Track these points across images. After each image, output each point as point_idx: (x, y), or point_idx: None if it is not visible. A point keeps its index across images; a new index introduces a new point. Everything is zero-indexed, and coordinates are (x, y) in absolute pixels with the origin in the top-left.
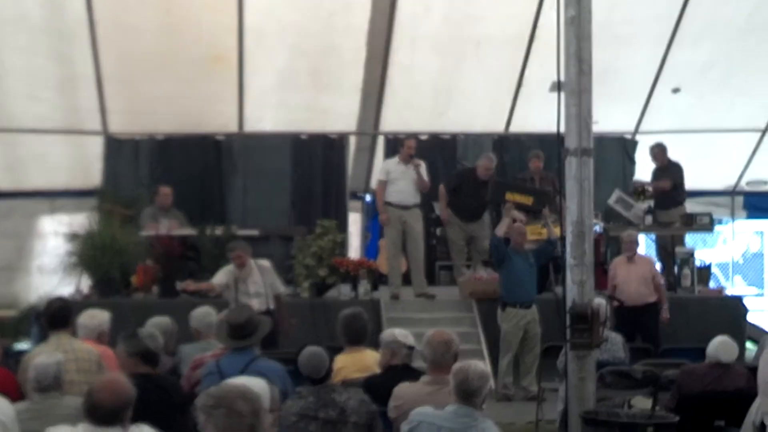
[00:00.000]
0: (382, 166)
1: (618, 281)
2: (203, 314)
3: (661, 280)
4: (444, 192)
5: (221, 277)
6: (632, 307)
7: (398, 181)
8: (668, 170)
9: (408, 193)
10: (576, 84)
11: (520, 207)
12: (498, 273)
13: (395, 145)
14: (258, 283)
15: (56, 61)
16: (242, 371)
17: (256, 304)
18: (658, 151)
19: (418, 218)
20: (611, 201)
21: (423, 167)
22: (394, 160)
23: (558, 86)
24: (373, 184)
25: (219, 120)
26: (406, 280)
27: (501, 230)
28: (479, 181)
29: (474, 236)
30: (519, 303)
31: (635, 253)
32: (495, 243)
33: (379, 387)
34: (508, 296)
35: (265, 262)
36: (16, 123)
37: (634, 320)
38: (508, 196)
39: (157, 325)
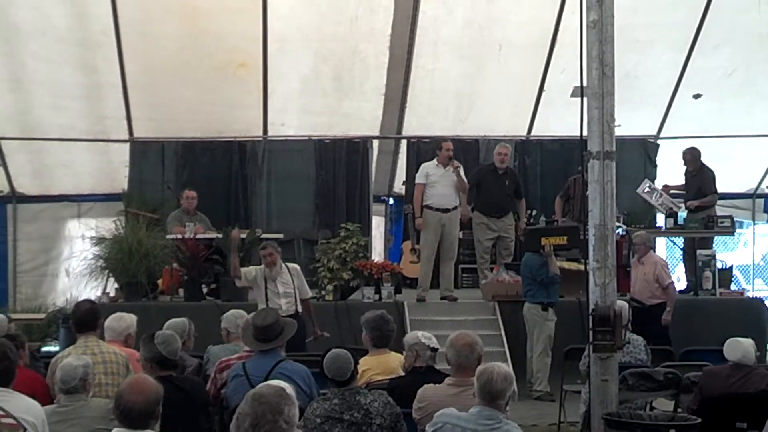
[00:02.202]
0: (420, 169)
1: (632, 282)
2: (234, 316)
3: (666, 282)
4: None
5: (251, 270)
6: (638, 308)
7: (438, 184)
8: (702, 175)
9: (448, 196)
10: (598, 87)
11: (558, 249)
12: (539, 282)
13: (418, 148)
14: (288, 284)
15: (82, 71)
16: (268, 373)
17: (284, 304)
18: (691, 156)
19: (456, 221)
20: (640, 190)
21: (462, 169)
22: (433, 163)
23: (581, 89)
24: (396, 187)
25: (243, 126)
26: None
27: (555, 269)
28: (498, 172)
29: (502, 236)
30: (552, 306)
31: (645, 254)
32: (554, 279)
33: (403, 389)
34: (547, 299)
35: (295, 266)
36: (43, 132)
37: (639, 320)
38: (544, 240)
39: (173, 327)
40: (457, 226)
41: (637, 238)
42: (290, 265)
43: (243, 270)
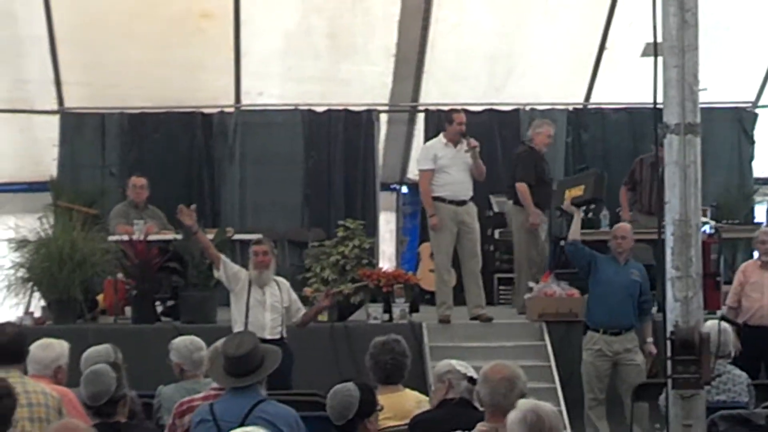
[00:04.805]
0: (423, 150)
1: (747, 292)
2: (188, 346)
3: None
4: (527, 189)
5: (235, 266)
6: (759, 326)
7: (449, 168)
8: None
9: (463, 184)
10: (677, 39)
11: (577, 203)
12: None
13: (439, 122)
14: (276, 297)
15: None
16: (244, 418)
17: (270, 321)
18: None
19: (475, 216)
20: None
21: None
22: (440, 142)
23: (655, 45)
24: (411, 173)
25: (208, 95)
26: (456, 297)
27: (576, 234)
28: (541, 155)
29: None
30: (603, 328)
31: None
32: (569, 250)
33: (430, 425)
34: (589, 317)
35: (284, 280)
36: None
37: (761, 345)
38: (567, 193)
39: (94, 359)
40: (477, 222)
41: (764, 234)
42: (278, 278)
43: (224, 258)
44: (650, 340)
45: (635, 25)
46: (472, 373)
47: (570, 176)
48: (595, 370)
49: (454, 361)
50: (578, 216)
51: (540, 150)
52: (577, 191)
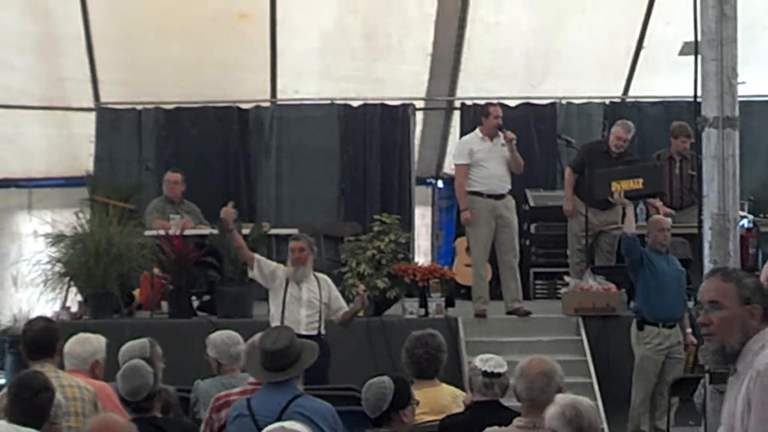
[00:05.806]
0: (459, 145)
1: None
2: (225, 340)
3: None
4: (572, 176)
5: (271, 263)
6: None
7: (486, 162)
8: None
9: (500, 178)
10: (716, 32)
11: (632, 196)
12: (633, 281)
13: (475, 117)
14: (314, 293)
15: (33, 18)
16: (281, 413)
17: (305, 317)
18: None
19: (513, 209)
20: None
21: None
22: (476, 136)
23: (695, 43)
24: (447, 167)
25: (245, 92)
26: (491, 291)
27: (631, 226)
28: (612, 155)
29: (604, 231)
30: (662, 321)
31: None
32: (629, 243)
33: (456, 428)
34: (647, 311)
35: (326, 277)
36: None
37: None
38: (614, 186)
39: (129, 354)
40: (516, 216)
41: None
42: (319, 275)
43: (258, 257)
44: (689, 330)
45: (673, 23)
46: (491, 366)
47: (611, 168)
48: (654, 364)
49: (480, 357)
50: (631, 209)
51: (613, 150)
52: (633, 184)
